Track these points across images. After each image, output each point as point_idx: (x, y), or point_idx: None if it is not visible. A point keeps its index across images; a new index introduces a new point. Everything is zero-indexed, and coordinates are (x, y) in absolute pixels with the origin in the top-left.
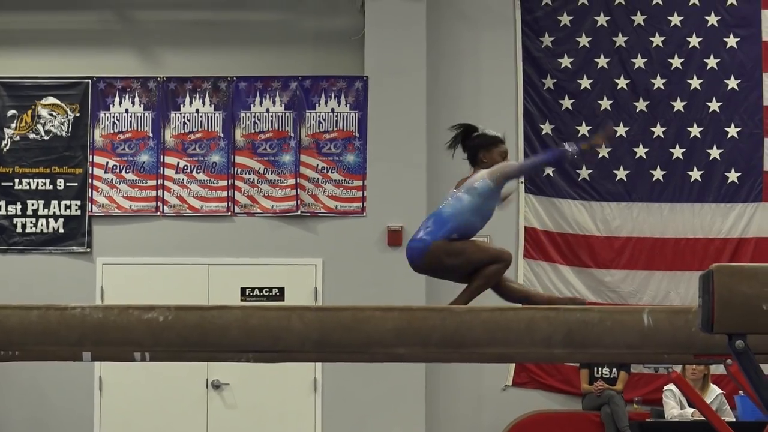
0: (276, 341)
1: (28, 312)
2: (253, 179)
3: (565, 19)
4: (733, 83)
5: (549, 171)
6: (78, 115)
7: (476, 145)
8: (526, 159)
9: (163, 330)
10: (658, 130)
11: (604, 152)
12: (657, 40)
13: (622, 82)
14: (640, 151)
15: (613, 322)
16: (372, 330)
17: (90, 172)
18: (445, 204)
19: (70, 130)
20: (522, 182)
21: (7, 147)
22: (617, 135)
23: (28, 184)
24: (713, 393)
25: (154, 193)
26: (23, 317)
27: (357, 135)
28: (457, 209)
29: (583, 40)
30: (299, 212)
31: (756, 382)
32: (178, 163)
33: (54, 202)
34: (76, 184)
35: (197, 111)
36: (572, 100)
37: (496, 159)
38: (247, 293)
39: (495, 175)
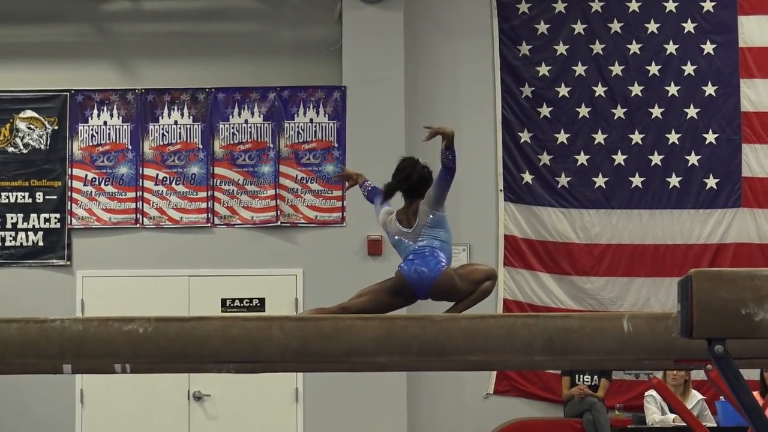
0: (256, 351)
1: (8, 325)
2: (233, 190)
3: (542, 28)
4: (710, 89)
5: (528, 179)
6: (56, 128)
7: (426, 178)
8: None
9: (143, 342)
10: (637, 137)
11: (582, 159)
12: (634, 47)
13: (599, 90)
14: (619, 158)
15: (593, 329)
16: (352, 339)
17: (69, 184)
18: (430, 240)
19: (48, 143)
20: (501, 190)
21: None
22: (596, 143)
23: (7, 197)
24: (694, 398)
25: (133, 205)
26: (3, 330)
27: (336, 145)
28: (445, 241)
29: (561, 48)
30: (279, 223)
31: (736, 386)
32: (157, 174)
33: (33, 216)
34: (55, 197)
35: (176, 123)
36: (550, 108)
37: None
38: (227, 304)
39: (439, 204)
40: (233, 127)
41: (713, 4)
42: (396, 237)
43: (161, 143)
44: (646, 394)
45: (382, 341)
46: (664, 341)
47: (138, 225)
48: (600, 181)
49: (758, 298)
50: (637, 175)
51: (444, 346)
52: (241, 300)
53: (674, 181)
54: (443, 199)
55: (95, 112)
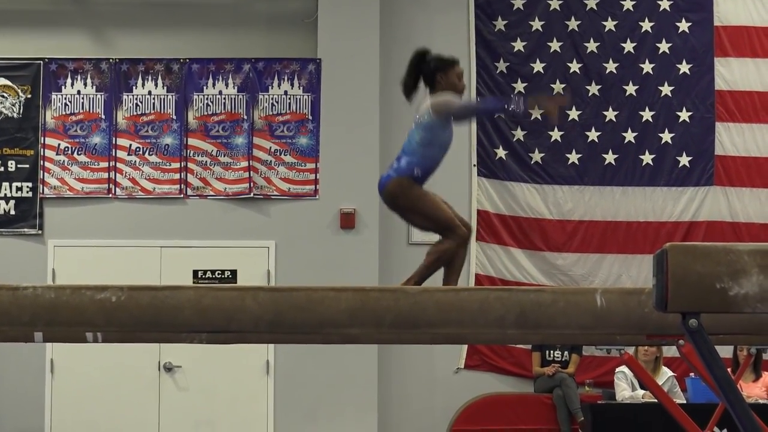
0: (229, 322)
1: None
2: (206, 161)
3: (518, 3)
4: (685, 68)
5: (501, 155)
6: (29, 96)
7: (433, 69)
8: (469, 102)
9: (115, 310)
10: (611, 114)
11: (556, 136)
12: (609, 24)
13: (574, 66)
14: (592, 135)
15: (566, 303)
16: (325, 311)
17: (42, 153)
18: (407, 141)
19: (21, 111)
20: (474, 165)
21: None
22: (570, 119)
23: None
24: (665, 375)
25: (106, 175)
26: None
27: (310, 118)
28: (412, 145)
29: (536, 24)
30: (252, 195)
31: (709, 360)
32: (131, 145)
33: (5, 184)
34: (28, 165)
35: (150, 93)
36: (525, 84)
37: (453, 80)
38: (199, 275)
39: (438, 108)
40: (207, 98)
41: None
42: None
43: (135, 113)
44: (617, 370)
45: (355, 313)
46: (637, 316)
47: (110, 195)
48: (573, 157)
49: (733, 273)
50: (610, 152)
51: (417, 318)
52: (213, 272)
53: (647, 158)
54: (447, 116)
55: (69, 81)
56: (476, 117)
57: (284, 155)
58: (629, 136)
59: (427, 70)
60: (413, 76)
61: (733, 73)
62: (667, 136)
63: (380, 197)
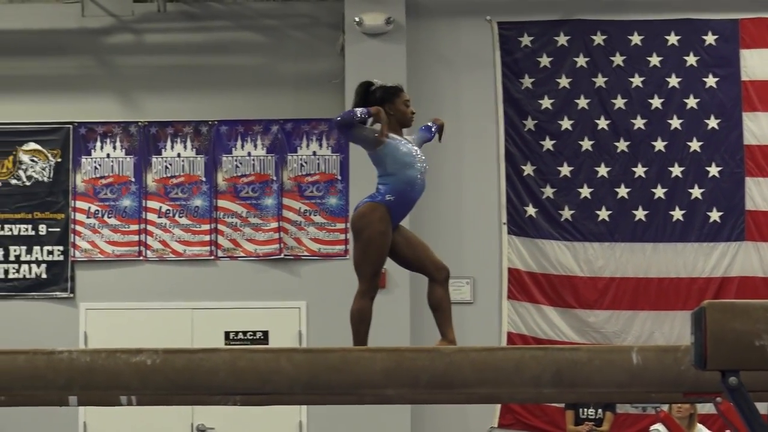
0: (264, 383)
1: (15, 356)
2: (236, 223)
3: (545, 61)
4: (713, 123)
5: (531, 212)
6: (59, 160)
7: (379, 99)
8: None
9: (151, 373)
10: (640, 170)
11: (586, 193)
12: (636, 80)
13: (602, 123)
14: (622, 192)
15: (601, 362)
16: (361, 371)
17: (72, 217)
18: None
19: (51, 175)
20: (504, 223)
21: None
22: (599, 176)
23: (10, 229)
24: None
25: (136, 238)
26: (10, 362)
27: (339, 178)
28: (378, 179)
29: (563, 81)
30: (282, 255)
31: (750, 418)
32: (161, 207)
33: (36, 248)
34: (59, 229)
35: (179, 155)
36: (553, 141)
37: (401, 108)
38: (231, 337)
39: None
40: (236, 160)
41: (715, 37)
42: None
43: (164, 175)
44: (652, 428)
45: (390, 373)
46: (673, 374)
47: (141, 257)
48: (603, 214)
49: None
50: (640, 208)
51: (453, 378)
52: (244, 333)
53: (678, 214)
54: (361, 143)
55: (98, 144)
56: (346, 125)
57: (314, 215)
58: (659, 192)
59: (373, 100)
60: (356, 109)
61: (762, 128)
62: (697, 192)
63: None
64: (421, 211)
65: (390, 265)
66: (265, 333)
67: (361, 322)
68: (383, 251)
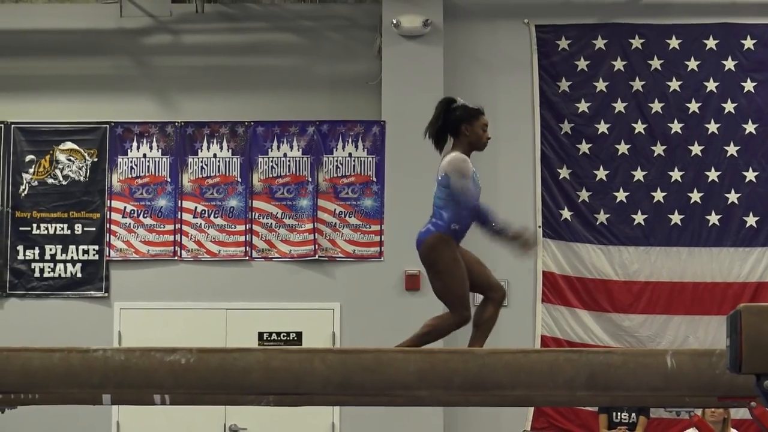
0: (298, 384)
1: (50, 355)
2: (271, 224)
3: (582, 64)
4: (750, 127)
5: (567, 216)
6: (96, 159)
7: (458, 118)
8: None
9: (184, 372)
10: (676, 175)
11: (621, 196)
12: (674, 84)
13: (639, 127)
14: (658, 196)
15: (636, 365)
16: (394, 372)
17: (108, 216)
18: (434, 200)
19: (88, 174)
20: (539, 226)
21: (25, 192)
22: (635, 180)
23: (46, 228)
24: None
25: (171, 238)
26: (45, 360)
27: (374, 179)
28: (440, 204)
29: (600, 85)
30: (317, 257)
31: None
32: (196, 207)
33: (72, 247)
34: (94, 228)
35: (215, 156)
36: (590, 145)
37: (478, 132)
38: (264, 338)
39: (454, 175)
40: (272, 161)
41: (754, 42)
42: None
43: (200, 176)
44: None
45: (424, 375)
46: (707, 378)
47: (176, 257)
48: (639, 218)
49: None
50: (676, 212)
51: (486, 380)
52: (278, 333)
53: (714, 218)
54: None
55: (135, 144)
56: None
57: (349, 217)
58: (695, 196)
59: (453, 118)
60: (438, 123)
61: None
62: (733, 197)
63: (417, 251)
64: None
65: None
66: (299, 334)
67: (430, 333)
68: (463, 277)
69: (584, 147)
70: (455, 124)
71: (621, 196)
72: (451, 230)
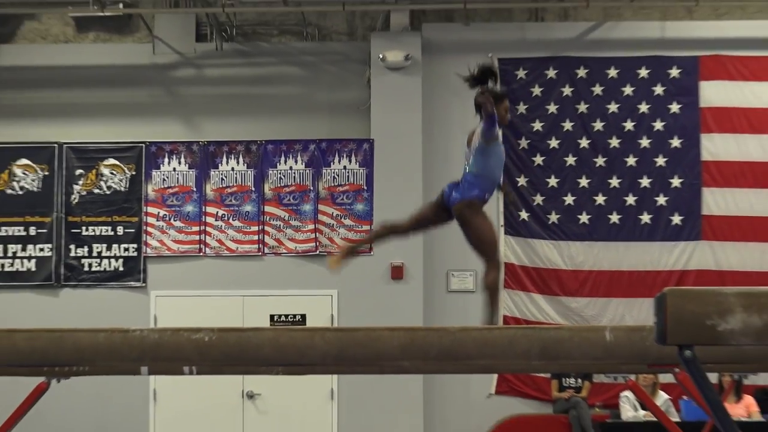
0: (302, 356)
1: (97, 334)
2: (280, 225)
3: (537, 91)
4: (676, 142)
5: (524, 217)
6: (134, 173)
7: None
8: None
9: (208, 348)
10: (615, 182)
11: (569, 200)
12: (613, 107)
13: (584, 142)
14: (600, 199)
15: (580, 339)
16: (382, 347)
17: (144, 220)
18: (469, 166)
19: (127, 185)
20: (502, 226)
21: (76, 200)
22: (580, 186)
23: (93, 230)
24: (661, 398)
25: (197, 237)
26: (92, 338)
27: (365, 188)
28: (477, 169)
29: (552, 108)
30: (318, 252)
31: (702, 385)
32: (217, 212)
33: (115, 246)
34: (133, 230)
35: (232, 169)
36: (543, 157)
37: (501, 113)
38: (275, 319)
39: (483, 137)
40: (280, 173)
41: (679, 71)
42: (465, 153)
43: (220, 186)
44: (622, 394)
45: (406, 348)
46: (639, 349)
47: (201, 254)
48: (584, 218)
49: (720, 312)
50: (614, 213)
51: (457, 352)
52: (286, 316)
53: (646, 218)
54: (488, 135)
55: (166, 160)
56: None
57: (344, 219)
58: (630, 199)
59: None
60: (475, 80)
61: (717, 147)
62: (662, 200)
63: (453, 212)
64: None
65: (406, 259)
66: (303, 316)
67: (496, 290)
68: (492, 230)
69: (538, 159)
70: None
71: (569, 200)
72: (485, 199)
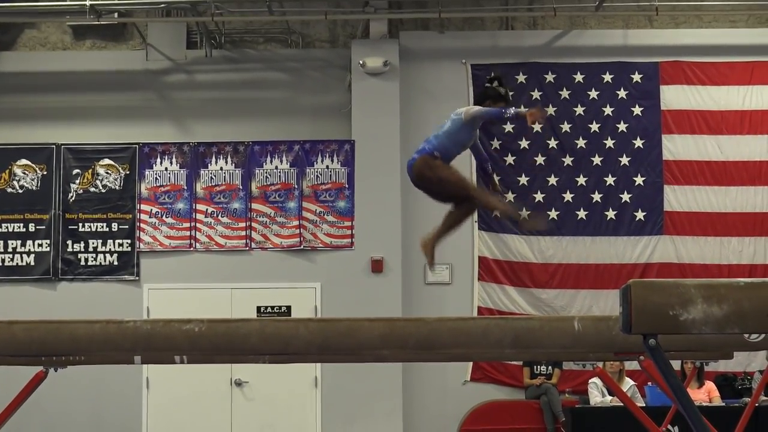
0: (287, 346)
1: (92, 325)
2: (266, 221)
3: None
4: (639, 143)
5: (497, 212)
6: (128, 172)
7: (485, 94)
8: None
9: (198, 338)
10: (581, 180)
11: (539, 197)
12: (579, 109)
13: (552, 143)
14: (567, 196)
15: (550, 328)
16: (362, 337)
17: (138, 217)
18: (435, 131)
19: (121, 184)
20: (475, 221)
21: (73, 198)
22: (549, 184)
23: (90, 227)
24: (627, 384)
25: (188, 233)
26: (88, 329)
27: (346, 186)
28: (439, 133)
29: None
30: (302, 247)
31: (665, 372)
32: (207, 209)
33: (110, 241)
34: (127, 226)
35: (221, 168)
36: (514, 157)
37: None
38: (261, 310)
39: (468, 113)
40: (266, 172)
41: (641, 76)
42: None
43: (210, 185)
44: (590, 381)
45: (385, 338)
46: (606, 338)
47: (191, 249)
48: (553, 214)
49: (682, 302)
50: (581, 209)
51: (434, 341)
52: (272, 307)
53: (611, 214)
54: (487, 117)
55: (158, 160)
56: (490, 119)
57: (327, 216)
58: (596, 196)
59: (483, 92)
60: (501, 97)
61: (677, 147)
62: (626, 196)
63: (409, 176)
64: (413, 210)
65: (385, 253)
66: (288, 307)
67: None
68: (455, 173)
69: (510, 159)
70: (482, 97)
71: (539, 197)
72: (434, 155)
